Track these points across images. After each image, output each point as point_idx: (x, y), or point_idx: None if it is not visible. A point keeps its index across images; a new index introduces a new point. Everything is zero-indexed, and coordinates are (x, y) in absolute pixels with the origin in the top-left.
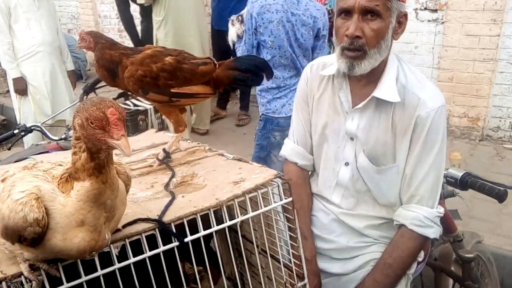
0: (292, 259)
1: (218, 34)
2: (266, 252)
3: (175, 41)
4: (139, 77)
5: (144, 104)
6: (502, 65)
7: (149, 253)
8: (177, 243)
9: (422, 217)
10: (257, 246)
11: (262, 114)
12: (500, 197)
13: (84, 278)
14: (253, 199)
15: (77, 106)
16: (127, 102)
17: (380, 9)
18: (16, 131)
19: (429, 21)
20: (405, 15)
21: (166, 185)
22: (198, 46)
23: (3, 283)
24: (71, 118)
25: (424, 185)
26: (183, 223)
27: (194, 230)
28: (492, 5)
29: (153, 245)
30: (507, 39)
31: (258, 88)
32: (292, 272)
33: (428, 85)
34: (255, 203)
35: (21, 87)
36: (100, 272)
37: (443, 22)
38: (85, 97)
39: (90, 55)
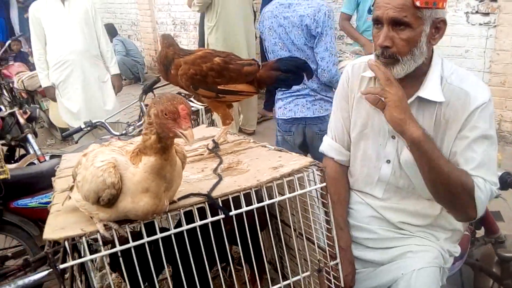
0: (326, 241)
1: None
2: (302, 235)
3: (224, 45)
4: (191, 75)
5: (196, 104)
6: None
7: (199, 222)
8: (223, 216)
9: (482, 181)
10: (295, 230)
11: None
12: None
13: (145, 239)
14: (291, 186)
15: (152, 99)
16: None
17: (408, 19)
18: (83, 126)
19: (480, 24)
20: (443, 20)
21: (215, 170)
22: (245, 50)
23: (83, 238)
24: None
25: (482, 169)
26: (229, 205)
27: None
28: None
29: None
30: None
31: None
32: (326, 253)
33: (473, 79)
34: (293, 189)
35: (50, 96)
36: (158, 235)
37: (495, 26)
38: (144, 96)
39: (147, 60)
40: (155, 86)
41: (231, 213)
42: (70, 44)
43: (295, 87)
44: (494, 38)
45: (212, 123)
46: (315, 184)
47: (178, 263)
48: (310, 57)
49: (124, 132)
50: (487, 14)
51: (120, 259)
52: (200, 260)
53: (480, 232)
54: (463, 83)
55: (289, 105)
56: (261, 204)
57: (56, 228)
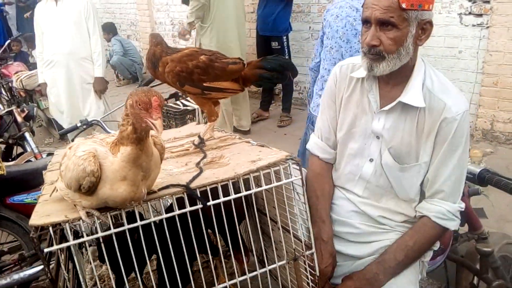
0: (303, 232)
1: (263, 39)
2: (280, 227)
3: (218, 46)
4: (177, 72)
5: (192, 104)
6: None
7: (178, 211)
8: (201, 205)
9: (445, 211)
10: (275, 222)
11: (309, 111)
12: None
13: (126, 226)
14: (270, 179)
15: (130, 92)
16: (177, 102)
17: (395, 20)
18: (79, 125)
19: (473, 25)
20: (429, 22)
21: (198, 163)
22: (237, 51)
23: (66, 224)
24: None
25: (448, 183)
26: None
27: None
28: None
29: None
30: None
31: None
32: (302, 243)
33: (452, 89)
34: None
35: (43, 92)
36: (139, 223)
37: (488, 27)
38: None
39: (145, 60)
40: (150, 85)
41: (208, 203)
42: (58, 44)
43: None
44: (487, 39)
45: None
46: (291, 177)
47: (159, 253)
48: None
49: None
50: (480, 15)
51: (102, 245)
52: (181, 249)
53: (464, 229)
54: (443, 94)
55: None
56: (238, 195)
57: (42, 215)
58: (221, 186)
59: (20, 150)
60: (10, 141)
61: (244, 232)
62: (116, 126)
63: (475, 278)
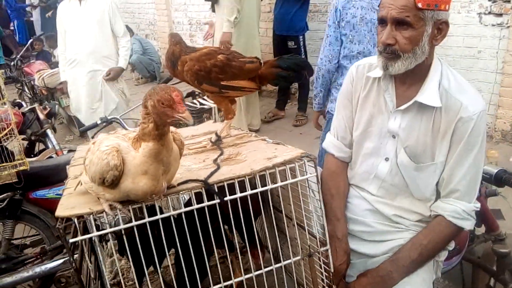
0: (318, 228)
1: (280, 39)
2: (295, 223)
3: (245, 42)
4: (195, 71)
5: (209, 103)
6: None
7: (196, 206)
8: (218, 200)
9: (460, 210)
10: (290, 218)
11: (328, 112)
12: None
13: (147, 219)
14: (285, 176)
15: (147, 92)
16: (194, 101)
17: (410, 20)
18: (99, 122)
19: (493, 25)
20: (445, 22)
21: (215, 160)
22: (258, 49)
23: (91, 216)
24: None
25: (463, 182)
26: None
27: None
28: None
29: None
30: None
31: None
32: (317, 240)
33: (469, 89)
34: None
35: (65, 90)
36: (159, 216)
37: (508, 27)
38: None
39: (163, 59)
40: (168, 84)
41: (225, 198)
42: (81, 43)
43: None
44: (507, 39)
45: (222, 121)
46: (307, 174)
47: (178, 246)
48: None
49: (137, 127)
50: (500, 15)
51: (124, 237)
52: (199, 243)
53: (481, 230)
54: (460, 94)
55: None
56: (254, 191)
57: (67, 207)
58: (238, 182)
59: (42, 146)
60: (33, 138)
61: (260, 229)
62: (134, 124)
63: (492, 279)
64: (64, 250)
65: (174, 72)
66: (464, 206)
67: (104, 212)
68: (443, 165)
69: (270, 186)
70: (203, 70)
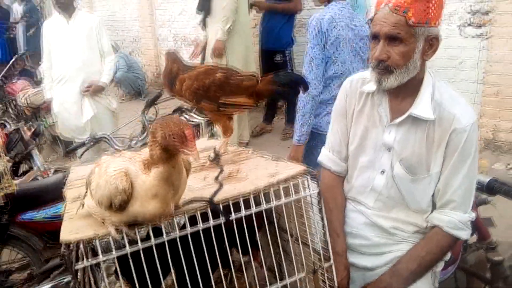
0: (320, 244)
1: (266, 53)
2: (298, 239)
3: (244, 50)
4: (194, 89)
5: (197, 118)
6: None
7: (202, 226)
8: (224, 220)
9: (456, 221)
10: (291, 235)
11: (313, 128)
12: None
13: (153, 242)
14: (287, 193)
15: (158, 120)
16: (181, 117)
17: (402, 36)
18: (87, 141)
19: (473, 37)
20: (436, 37)
21: (216, 178)
22: (253, 57)
23: (96, 239)
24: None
25: (458, 192)
26: (230, 211)
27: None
28: None
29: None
30: None
31: None
32: (320, 256)
33: (460, 101)
34: (286, 195)
35: (49, 109)
36: (165, 238)
37: (487, 38)
38: (146, 110)
39: (149, 75)
40: (157, 102)
41: (231, 217)
42: (70, 61)
43: None
44: (487, 49)
45: (212, 136)
46: (310, 190)
47: (184, 266)
48: (366, 68)
49: (127, 146)
50: (479, 26)
51: (130, 261)
52: (202, 263)
53: (473, 238)
54: (452, 106)
55: None
56: (259, 209)
57: (72, 231)
58: (242, 200)
59: (26, 167)
60: (17, 159)
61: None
62: (123, 141)
63: (486, 287)
64: (52, 275)
65: (172, 90)
66: (460, 216)
67: (109, 235)
68: (438, 177)
69: (274, 203)
70: (202, 88)
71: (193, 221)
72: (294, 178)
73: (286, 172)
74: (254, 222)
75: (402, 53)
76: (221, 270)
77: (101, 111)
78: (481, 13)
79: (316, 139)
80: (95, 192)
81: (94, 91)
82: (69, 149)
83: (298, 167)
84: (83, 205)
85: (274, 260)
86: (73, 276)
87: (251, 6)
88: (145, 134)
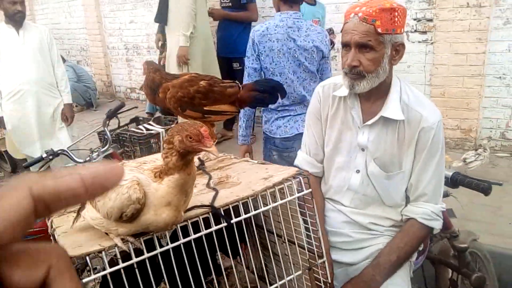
0: (314, 242)
1: (224, 60)
2: (288, 240)
3: (204, 55)
4: (179, 97)
5: (156, 128)
6: (489, 80)
7: (205, 231)
8: (225, 224)
9: (429, 212)
10: (280, 236)
11: (263, 132)
12: (485, 191)
13: (158, 250)
14: (276, 195)
15: (172, 129)
16: (140, 126)
17: (372, 43)
18: (44, 155)
19: (419, 42)
20: (402, 44)
21: (207, 184)
22: (217, 64)
23: (103, 252)
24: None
25: (429, 186)
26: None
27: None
28: (477, 25)
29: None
30: (492, 55)
31: (262, 108)
32: (314, 253)
33: (426, 101)
34: (280, 197)
35: (2, 125)
36: (170, 246)
37: (432, 43)
38: (107, 122)
39: (99, 85)
40: (118, 112)
41: (232, 221)
42: (25, 73)
43: (293, 107)
44: (432, 53)
45: None
46: (303, 191)
47: (177, 276)
48: (314, 78)
49: (88, 159)
50: (424, 32)
51: (137, 271)
52: (195, 271)
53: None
54: (419, 106)
55: (289, 123)
56: (257, 211)
57: (74, 246)
58: (241, 204)
59: None
60: None
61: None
62: (83, 154)
63: (454, 274)
64: None
65: (155, 99)
66: (432, 207)
67: (116, 247)
68: (410, 172)
69: (272, 205)
70: (187, 97)
71: (184, 230)
72: (288, 180)
73: (280, 175)
74: (243, 225)
75: (372, 59)
76: (213, 275)
77: (55, 126)
78: (425, 20)
79: (270, 141)
80: (103, 204)
81: (71, 116)
82: (26, 165)
83: (290, 169)
84: (75, 220)
85: (262, 263)
86: None
87: (208, 14)
88: (107, 146)
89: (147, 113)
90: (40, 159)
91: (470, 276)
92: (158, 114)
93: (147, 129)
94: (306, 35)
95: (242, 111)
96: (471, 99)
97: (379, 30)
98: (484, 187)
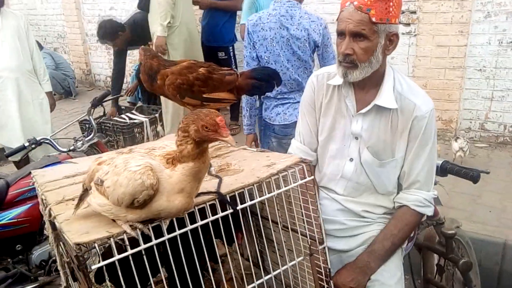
0: (315, 229)
1: (209, 50)
2: (287, 228)
3: (185, 46)
4: (178, 84)
5: (140, 117)
6: (470, 72)
7: (212, 218)
8: (231, 210)
9: (421, 199)
10: (279, 223)
11: (263, 119)
12: (474, 178)
13: (166, 236)
14: (275, 182)
15: (187, 116)
16: (123, 116)
17: (366, 32)
18: (26, 144)
19: (403, 33)
20: (396, 34)
21: (208, 172)
22: (200, 52)
23: (111, 239)
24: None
25: (422, 174)
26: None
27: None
28: (459, 18)
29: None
30: (473, 48)
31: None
32: (315, 240)
33: (419, 91)
34: (277, 185)
35: None
36: (177, 232)
37: (415, 35)
38: (92, 110)
39: (77, 73)
40: (104, 100)
41: (238, 207)
42: (4, 60)
43: (292, 95)
44: (415, 45)
45: (157, 136)
46: (307, 178)
47: (172, 265)
48: (308, 67)
49: (72, 148)
50: (408, 24)
51: (145, 257)
52: (191, 259)
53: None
54: (412, 95)
55: (288, 110)
56: (262, 198)
57: (80, 233)
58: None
59: None
60: None
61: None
62: (63, 144)
63: (441, 260)
64: None
65: (153, 86)
66: (424, 194)
67: (124, 233)
68: (402, 160)
69: (276, 191)
70: (186, 84)
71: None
72: (291, 167)
73: (282, 162)
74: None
75: (366, 48)
76: (208, 264)
77: (36, 114)
78: (409, 12)
79: (269, 128)
80: (113, 190)
81: (54, 104)
82: (8, 153)
83: (293, 157)
84: (77, 207)
85: (257, 250)
86: (88, 279)
87: (193, 2)
88: (92, 135)
89: (128, 102)
90: (22, 148)
91: (457, 261)
92: (140, 103)
93: (130, 118)
94: (299, 24)
95: (244, 101)
96: (452, 91)
97: (374, 19)
98: (473, 175)
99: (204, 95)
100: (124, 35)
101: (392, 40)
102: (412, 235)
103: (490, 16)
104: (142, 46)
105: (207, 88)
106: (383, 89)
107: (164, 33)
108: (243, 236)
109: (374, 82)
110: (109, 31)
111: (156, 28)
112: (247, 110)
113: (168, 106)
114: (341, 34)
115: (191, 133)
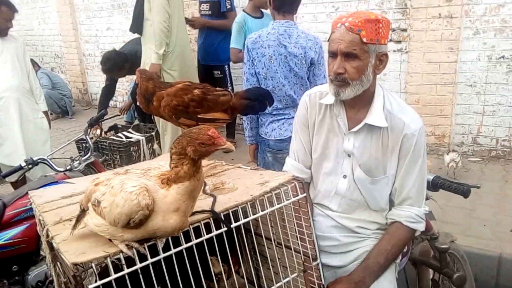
0: (308, 245)
1: (205, 68)
2: (281, 244)
3: (180, 72)
4: (174, 106)
5: (136, 135)
6: (461, 87)
7: (206, 236)
8: (225, 228)
9: (413, 215)
10: (273, 240)
11: (259, 135)
12: (465, 193)
13: (162, 255)
14: (268, 200)
15: (177, 139)
16: (119, 134)
17: (357, 52)
18: (23, 164)
19: (394, 51)
20: (385, 54)
21: (203, 190)
22: (195, 76)
23: (108, 259)
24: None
25: (413, 190)
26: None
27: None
28: (449, 35)
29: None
30: (463, 64)
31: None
32: (308, 256)
33: (408, 109)
34: (270, 203)
35: None
36: (172, 251)
37: (407, 52)
38: (89, 130)
39: (74, 92)
40: (101, 119)
41: (232, 225)
42: (6, 80)
43: (287, 111)
44: (407, 62)
45: (153, 154)
46: (299, 195)
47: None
48: (305, 83)
49: (68, 167)
50: (399, 41)
51: (140, 276)
52: (188, 278)
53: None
54: (401, 114)
55: (283, 126)
56: (256, 215)
57: (77, 253)
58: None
59: None
60: None
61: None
62: (60, 163)
63: (435, 274)
64: None
65: (149, 107)
66: (416, 210)
67: (121, 253)
68: (394, 177)
69: (270, 209)
70: (181, 105)
71: (184, 235)
72: (284, 185)
73: (276, 180)
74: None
75: (357, 68)
76: (203, 282)
77: (37, 132)
78: (400, 30)
79: (264, 143)
80: (110, 210)
81: (49, 122)
82: (4, 174)
83: (286, 175)
84: (74, 227)
85: (251, 267)
86: None
87: (187, 22)
88: (89, 154)
89: (125, 121)
90: (19, 168)
91: (451, 275)
92: (136, 122)
93: (127, 137)
94: (296, 42)
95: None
96: (444, 106)
97: (364, 39)
98: (464, 190)
99: (199, 116)
100: (127, 66)
101: (382, 60)
102: (405, 250)
103: (479, 33)
104: (139, 68)
105: (202, 109)
106: (373, 108)
107: (159, 60)
108: (240, 267)
109: (364, 101)
110: (118, 64)
111: (151, 54)
112: (247, 123)
113: (167, 128)
114: (332, 54)
115: (189, 155)
